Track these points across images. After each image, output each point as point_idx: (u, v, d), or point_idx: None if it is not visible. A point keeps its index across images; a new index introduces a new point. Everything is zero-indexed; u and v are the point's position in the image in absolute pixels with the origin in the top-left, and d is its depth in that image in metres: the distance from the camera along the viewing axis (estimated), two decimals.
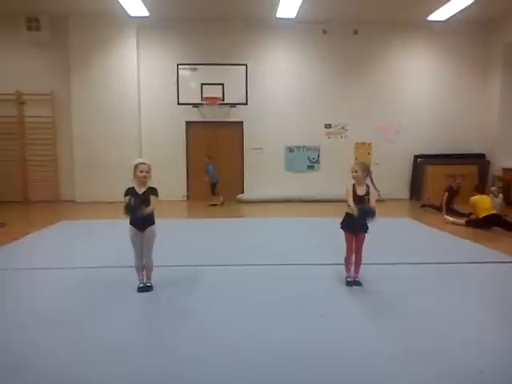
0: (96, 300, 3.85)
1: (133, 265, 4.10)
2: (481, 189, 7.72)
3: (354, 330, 3.27)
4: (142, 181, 3.93)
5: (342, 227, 4.23)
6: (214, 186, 10.34)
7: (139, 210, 3.80)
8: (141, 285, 4.07)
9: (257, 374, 2.63)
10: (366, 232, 4.15)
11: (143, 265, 4.06)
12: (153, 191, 4.02)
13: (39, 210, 9.42)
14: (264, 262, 5.13)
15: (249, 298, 3.93)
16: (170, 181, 11.05)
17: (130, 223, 3.96)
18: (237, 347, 2.95)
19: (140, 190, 3.92)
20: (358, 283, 4.23)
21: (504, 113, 10.81)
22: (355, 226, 4.09)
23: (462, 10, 9.72)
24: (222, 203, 10.34)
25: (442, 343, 3.03)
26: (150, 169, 3.96)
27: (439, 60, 11.35)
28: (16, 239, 6.32)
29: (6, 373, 2.61)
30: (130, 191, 3.89)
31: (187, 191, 11.16)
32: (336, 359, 2.81)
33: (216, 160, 10.94)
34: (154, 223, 4.08)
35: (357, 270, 4.27)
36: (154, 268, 4.19)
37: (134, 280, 4.13)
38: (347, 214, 4.17)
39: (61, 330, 3.23)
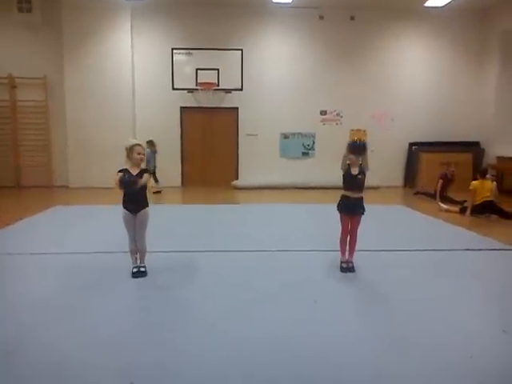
0: (90, 286, 3.84)
1: (127, 250, 4.11)
2: (485, 173, 7.66)
3: (346, 317, 3.29)
4: (139, 163, 3.94)
5: (338, 209, 4.28)
6: (153, 173, 9.78)
7: (134, 184, 3.83)
8: (134, 269, 4.07)
9: (253, 361, 2.65)
10: (363, 214, 4.21)
11: (137, 248, 4.07)
12: (146, 172, 4.03)
13: (32, 195, 9.35)
14: (259, 248, 5.13)
15: (244, 285, 3.93)
16: (165, 166, 11.01)
17: (124, 206, 3.97)
18: (233, 335, 2.96)
19: (134, 172, 3.91)
20: (351, 269, 4.26)
21: (499, 101, 10.79)
22: (352, 207, 4.17)
23: None
24: (159, 191, 9.88)
25: (434, 329, 3.07)
26: (144, 150, 4.00)
27: (435, 47, 11.30)
28: (8, 224, 6.28)
29: None
30: (123, 172, 3.89)
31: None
32: (329, 346, 2.83)
33: (211, 146, 10.91)
34: (147, 206, 4.07)
35: (351, 253, 4.32)
36: (149, 253, 4.18)
37: (129, 266, 4.12)
38: (343, 195, 4.24)
39: (53, 315, 3.23)
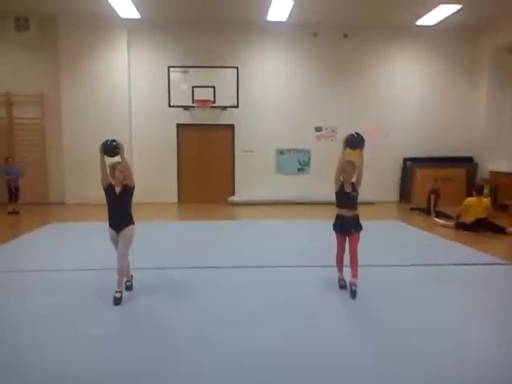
0: (86, 301, 3.86)
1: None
2: (481, 191, 7.71)
3: (345, 329, 3.32)
4: (121, 181, 3.90)
5: (334, 229, 4.21)
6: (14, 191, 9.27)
7: (115, 149, 3.80)
8: (128, 283, 4.09)
9: (250, 376, 2.66)
10: (359, 232, 4.08)
11: (129, 264, 4.01)
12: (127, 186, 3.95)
13: (28, 212, 9.33)
14: (254, 265, 5.16)
15: (239, 301, 3.95)
16: (162, 183, 11.06)
17: (109, 224, 3.92)
18: (230, 352, 2.97)
19: (118, 189, 3.90)
20: (354, 294, 3.99)
21: (491, 116, 10.95)
22: (348, 227, 4.07)
23: (449, 16, 9.86)
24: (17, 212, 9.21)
25: (433, 341, 3.09)
26: (126, 167, 3.92)
27: (428, 64, 11.48)
28: (4, 242, 6.26)
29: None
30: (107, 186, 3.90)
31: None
32: (329, 358, 2.85)
33: (207, 163, 10.97)
34: (132, 223, 3.96)
35: (354, 273, 4.07)
36: (146, 270, 4.19)
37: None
38: (338, 215, 4.16)
39: (51, 330, 3.25)
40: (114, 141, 3.85)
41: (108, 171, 3.88)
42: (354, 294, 4.00)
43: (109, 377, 2.61)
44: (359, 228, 4.09)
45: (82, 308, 3.71)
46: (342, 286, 4.23)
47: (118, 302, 3.82)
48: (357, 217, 4.11)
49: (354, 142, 4.05)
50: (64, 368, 2.68)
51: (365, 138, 4.10)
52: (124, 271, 3.93)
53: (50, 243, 6.37)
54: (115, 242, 3.94)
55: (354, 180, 4.13)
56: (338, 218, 4.16)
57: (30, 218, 8.58)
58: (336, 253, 4.25)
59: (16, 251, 5.85)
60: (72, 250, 5.83)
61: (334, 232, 4.23)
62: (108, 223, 3.93)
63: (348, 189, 4.08)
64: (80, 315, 3.57)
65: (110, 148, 3.80)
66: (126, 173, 3.87)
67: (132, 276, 4.17)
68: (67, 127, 10.62)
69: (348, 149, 4.07)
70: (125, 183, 3.89)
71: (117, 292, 3.87)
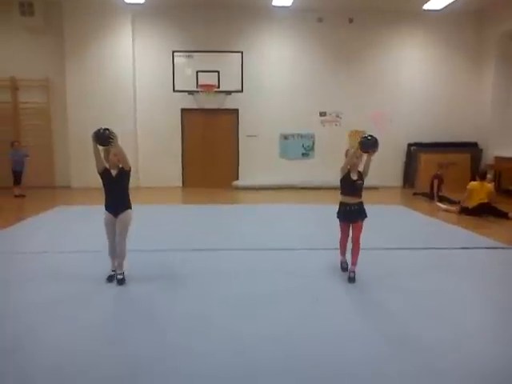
0: (87, 287, 3.86)
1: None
2: (484, 176, 7.74)
3: (347, 314, 3.39)
4: (116, 164, 3.85)
5: (338, 217, 4.20)
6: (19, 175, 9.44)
7: (109, 139, 3.65)
8: (112, 272, 3.98)
9: (254, 359, 2.74)
10: (363, 220, 4.07)
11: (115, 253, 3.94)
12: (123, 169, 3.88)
13: (35, 195, 9.42)
14: (257, 247, 5.22)
15: (241, 287, 4.01)
16: (166, 168, 11.11)
17: (105, 208, 3.92)
18: (234, 332, 3.04)
19: (113, 172, 3.86)
20: (352, 279, 4.04)
21: (497, 102, 10.89)
22: (352, 215, 4.05)
23: (457, 0, 9.74)
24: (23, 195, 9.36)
25: (430, 326, 3.15)
26: (120, 150, 3.82)
27: (434, 49, 11.39)
28: (12, 224, 6.37)
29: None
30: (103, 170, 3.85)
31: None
32: (330, 344, 2.93)
33: (211, 147, 11.02)
34: (129, 207, 3.95)
35: (353, 261, 4.11)
36: (149, 252, 4.21)
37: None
38: (342, 203, 4.13)
39: (48, 317, 3.30)
40: (107, 129, 3.68)
41: (102, 155, 3.81)
42: (352, 280, 4.04)
43: (105, 368, 2.57)
44: (363, 216, 4.07)
45: (82, 294, 3.69)
46: (344, 269, 4.29)
47: (121, 282, 3.90)
48: (361, 204, 4.09)
49: (367, 145, 3.93)
50: (60, 358, 2.67)
51: (378, 141, 3.96)
52: (125, 255, 3.94)
53: (57, 226, 6.46)
54: (110, 227, 3.89)
55: (360, 169, 4.09)
56: (342, 205, 4.13)
57: (36, 202, 8.68)
58: (340, 238, 4.28)
59: (22, 233, 5.95)
60: (77, 233, 5.91)
61: (335, 217, 4.22)
62: (104, 207, 3.91)
63: (354, 176, 4.04)
64: (79, 302, 3.55)
65: (103, 138, 3.66)
66: (121, 156, 3.80)
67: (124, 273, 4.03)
68: (72, 112, 10.66)
69: (363, 153, 3.99)
70: (121, 166, 3.85)
71: (118, 274, 3.93)
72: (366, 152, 3.97)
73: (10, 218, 6.92)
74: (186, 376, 2.50)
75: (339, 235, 4.27)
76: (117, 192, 3.89)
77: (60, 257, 4.79)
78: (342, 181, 4.12)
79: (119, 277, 3.93)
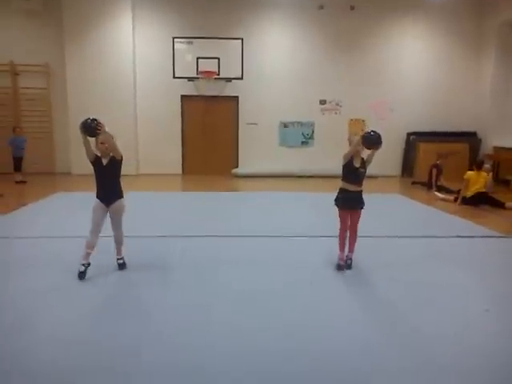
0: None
1: (126, 234, 4.05)
2: (481, 165, 7.80)
3: (346, 303, 3.47)
4: (105, 152, 3.76)
5: (336, 204, 4.10)
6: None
7: (96, 130, 3.61)
8: (81, 268, 3.76)
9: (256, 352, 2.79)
10: (362, 208, 4.06)
11: (97, 243, 3.80)
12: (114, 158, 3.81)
13: (35, 181, 9.47)
14: (254, 234, 5.29)
15: (237, 278, 4.05)
16: (166, 155, 11.13)
17: (96, 196, 3.81)
18: (233, 328, 3.07)
19: (104, 161, 3.78)
20: (349, 266, 4.10)
21: (496, 91, 10.89)
22: (351, 201, 4.00)
23: None
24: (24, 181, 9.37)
25: (425, 313, 3.22)
26: (111, 137, 3.76)
27: (434, 38, 11.35)
28: (14, 210, 6.43)
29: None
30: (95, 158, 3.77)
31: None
32: (330, 337, 2.97)
33: (211, 134, 11.03)
34: (121, 196, 3.89)
35: (351, 248, 4.14)
36: (149, 237, 4.25)
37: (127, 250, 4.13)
38: (342, 189, 4.07)
39: (56, 295, 3.41)
40: (95, 120, 3.64)
41: (94, 144, 3.74)
42: (349, 267, 4.10)
43: (81, 364, 2.54)
44: (362, 204, 4.04)
45: (80, 282, 3.71)
46: (340, 267, 4.09)
47: (122, 267, 3.99)
48: (361, 193, 4.06)
49: (371, 141, 3.89)
50: (55, 348, 2.67)
51: (381, 137, 3.93)
52: (123, 240, 3.98)
53: (57, 212, 6.52)
54: (98, 216, 3.77)
55: (364, 156, 4.04)
56: (342, 191, 4.06)
57: (36, 188, 8.73)
58: (339, 230, 4.14)
59: (23, 219, 6.03)
60: (78, 219, 5.92)
61: (334, 205, 4.13)
62: (96, 195, 3.82)
63: (357, 164, 3.97)
64: (76, 289, 3.57)
65: (91, 129, 3.61)
66: (110, 144, 3.72)
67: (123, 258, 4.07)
68: (72, 98, 10.63)
69: (366, 148, 3.95)
70: (111, 155, 3.78)
71: (119, 259, 4.01)
72: (368, 148, 3.93)
73: (11, 203, 6.98)
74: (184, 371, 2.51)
75: (338, 226, 4.13)
76: (108, 181, 3.81)
77: (60, 242, 4.86)
78: (344, 167, 4.05)
79: (120, 261, 4.02)
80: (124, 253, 4.06)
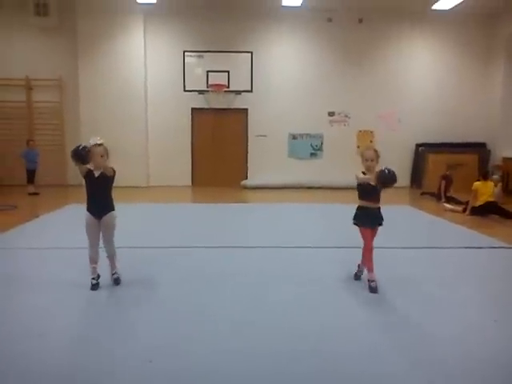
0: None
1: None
2: (487, 175, 7.82)
3: (356, 309, 3.48)
4: (99, 165, 3.69)
5: (355, 223, 3.92)
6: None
7: (87, 157, 3.54)
8: (93, 281, 3.75)
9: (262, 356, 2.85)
10: (381, 225, 3.89)
11: (98, 256, 3.82)
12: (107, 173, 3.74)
13: (48, 193, 9.63)
14: (267, 245, 5.33)
15: (251, 278, 4.13)
16: (176, 167, 11.26)
17: (87, 209, 3.76)
18: (241, 327, 3.14)
19: (96, 173, 3.74)
20: (373, 289, 3.76)
21: (505, 103, 10.91)
22: (373, 218, 3.86)
23: (465, 0, 9.77)
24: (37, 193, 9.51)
25: (433, 321, 3.25)
26: (106, 151, 3.71)
27: (442, 49, 11.43)
28: (27, 221, 6.55)
29: (30, 338, 2.85)
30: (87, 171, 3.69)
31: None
32: (338, 338, 3.02)
33: (221, 146, 11.16)
34: (113, 209, 3.82)
35: (371, 267, 3.87)
36: (156, 248, 4.19)
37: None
38: (361, 206, 3.91)
39: (74, 299, 3.48)
40: (85, 147, 3.56)
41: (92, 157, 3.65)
42: (374, 290, 3.78)
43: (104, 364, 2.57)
44: (382, 220, 3.91)
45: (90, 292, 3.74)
46: (373, 290, 3.77)
47: (117, 282, 3.85)
48: (380, 209, 3.93)
49: (385, 180, 3.67)
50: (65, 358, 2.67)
51: (396, 175, 3.70)
52: (115, 253, 3.88)
53: (69, 223, 6.60)
54: (93, 228, 3.75)
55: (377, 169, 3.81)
56: (362, 209, 3.89)
57: (49, 199, 8.88)
58: (365, 250, 3.91)
59: (37, 230, 6.13)
60: None
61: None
62: (86, 209, 3.78)
63: (372, 181, 3.73)
64: (87, 299, 3.68)
65: (82, 157, 3.55)
66: (104, 162, 3.69)
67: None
68: (85, 111, 10.85)
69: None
70: (102, 171, 3.70)
71: (114, 274, 3.88)
72: (382, 187, 3.77)
73: (24, 214, 7.11)
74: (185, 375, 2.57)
75: (363, 247, 3.89)
76: (100, 193, 3.76)
77: (72, 252, 4.93)
78: (359, 185, 3.90)
79: (115, 276, 3.87)
80: (118, 267, 3.96)
